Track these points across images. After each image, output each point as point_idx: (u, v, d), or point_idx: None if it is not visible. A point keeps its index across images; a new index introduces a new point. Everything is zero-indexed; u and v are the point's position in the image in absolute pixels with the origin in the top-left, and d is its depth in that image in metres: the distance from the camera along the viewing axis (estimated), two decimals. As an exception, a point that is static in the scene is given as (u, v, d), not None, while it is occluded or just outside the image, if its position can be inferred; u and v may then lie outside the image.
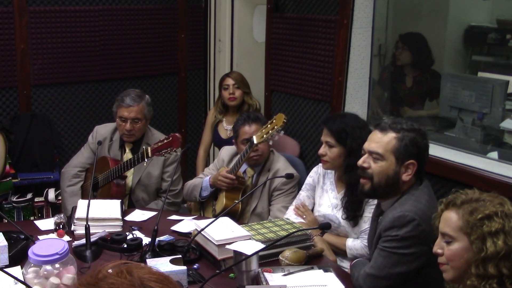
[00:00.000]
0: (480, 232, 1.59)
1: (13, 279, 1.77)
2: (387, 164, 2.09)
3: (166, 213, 2.88)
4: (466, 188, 1.76)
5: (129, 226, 2.63)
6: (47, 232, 2.55)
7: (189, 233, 2.51)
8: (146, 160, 2.87)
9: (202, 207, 3.24)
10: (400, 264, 2.04)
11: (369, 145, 2.15)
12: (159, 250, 2.30)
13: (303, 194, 2.84)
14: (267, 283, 2.04)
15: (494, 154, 2.86)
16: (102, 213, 2.60)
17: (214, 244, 2.20)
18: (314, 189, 2.82)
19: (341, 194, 2.67)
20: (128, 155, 3.20)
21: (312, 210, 2.79)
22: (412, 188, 2.12)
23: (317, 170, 2.83)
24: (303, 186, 2.87)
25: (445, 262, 1.70)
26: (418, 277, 2.07)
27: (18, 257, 2.20)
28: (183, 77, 4.59)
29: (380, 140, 2.11)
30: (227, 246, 2.13)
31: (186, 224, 2.64)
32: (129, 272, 1.00)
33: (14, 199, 3.80)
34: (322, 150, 2.64)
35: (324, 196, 2.74)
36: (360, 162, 2.16)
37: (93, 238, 2.38)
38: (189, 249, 2.31)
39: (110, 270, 1.01)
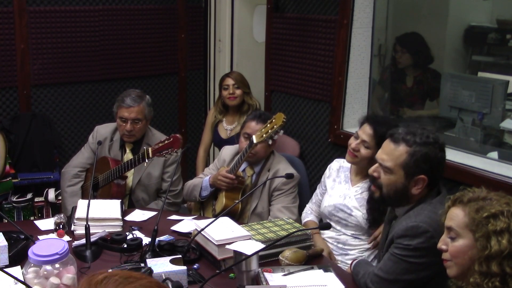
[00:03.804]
0: (485, 230, 1.60)
1: (13, 279, 1.77)
2: (395, 177, 2.07)
3: (166, 213, 2.88)
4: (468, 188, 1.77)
5: (129, 226, 2.63)
6: (47, 232, 2.55)
7: (189, 233, 2.51)
8: (146, 161, 2.87)
9: (202, 207, 3.24)
10: (409, 271, 2.02)
11: (380, 156, 2.12)
12: (159, 250, 2.30)
13: (317, 192, 2.91)
14: (267, 283, 2.04)
15: (494, 154, 2.86)
16: (102, 213, 2.60)
17: (214, 244, 2.20)
18: (326, 185, 2.86)
19: (356, 187, 2.67)
20: (128, 155, 3.20)
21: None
22: (429, 197, 2.09)
23: (331, 166, 2.87)
24: (319, 185, 2.91)
25: (449, 258, 1.71)
26: (427, 285, 2.06)
27: (18, 257, 2.20)
28: (183, 77, 4.59)
29: (391, 153, 2.08)
30: (227, 246, 2.13)
31: (186, 224, 2.64)
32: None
33: (14, 199, 3.80)
34: (356, 145, 2.60)
35: (336, 187, 2.75)
36: (370, 171, 2.15)
37: (93, 238, 2.38)
38: (189, 249, 2.31)
39: None
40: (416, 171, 2.04)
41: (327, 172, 2.88)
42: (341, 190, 2.73)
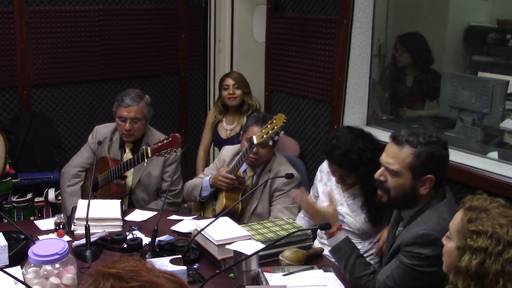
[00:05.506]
0: (463, 242, 1.56)
1: (13, 279, 1.77)
2: (403, 179, 2.04)
3: (166, 213, 2.88)
4: (472, 189, 1.75)
5: (129, 226, 2.63)
6: (47, 232, 2.55)
7: (189, 233, 2.51)
8: (146, 160, 2.87)
9: (202, 207, 3.24)
10: (419, 279, 2.01)
11: (386, 160, 2.09)
12: (159, 250, 2.31)
13: (310, 195, 2.84)
14: (267, 283, 2.04)
15: (494, 154, 2.86)
16: (102, 213, 2.60)
17: (214, 244, 2.20)
18: (317, 189, 2.82)
19: (347, 193, 2.65)
20: (128, 155, 3.20)
21: None
22: (434, 200, 2.06)
23: (321, 167, 2.83)
24: (311, 187, 2.87)
25: (443, 253, 1.72)
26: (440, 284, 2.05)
27: (18, 257, 2.20)
28: (183, 77, 4.59)
29: (396, 156, 2.04)
30: (227, 246, 2.13)
31: (186, 224, 2.64)
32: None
33: (14, 199, 3.80)
34: (338, 180, 2.61)
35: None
36: (377, 175, 2.12)
37: (93, 238, 2.38)
38: (189, 249, 2.31)
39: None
40: (423, 171, 2.02)
41: (318, 174, 2.84)
42: (332, 195, 2.71)
